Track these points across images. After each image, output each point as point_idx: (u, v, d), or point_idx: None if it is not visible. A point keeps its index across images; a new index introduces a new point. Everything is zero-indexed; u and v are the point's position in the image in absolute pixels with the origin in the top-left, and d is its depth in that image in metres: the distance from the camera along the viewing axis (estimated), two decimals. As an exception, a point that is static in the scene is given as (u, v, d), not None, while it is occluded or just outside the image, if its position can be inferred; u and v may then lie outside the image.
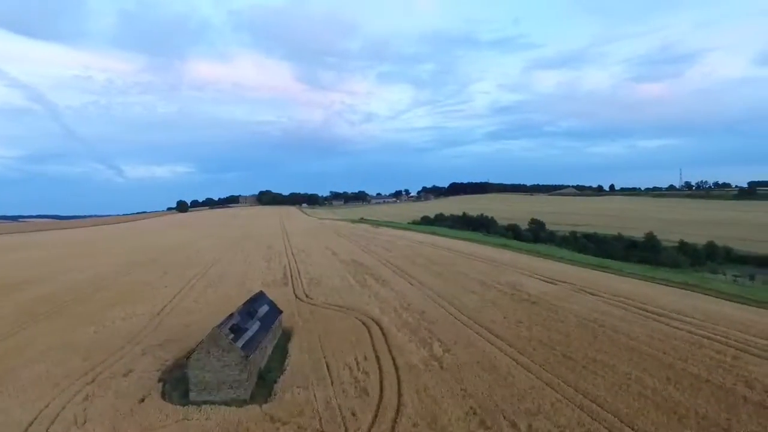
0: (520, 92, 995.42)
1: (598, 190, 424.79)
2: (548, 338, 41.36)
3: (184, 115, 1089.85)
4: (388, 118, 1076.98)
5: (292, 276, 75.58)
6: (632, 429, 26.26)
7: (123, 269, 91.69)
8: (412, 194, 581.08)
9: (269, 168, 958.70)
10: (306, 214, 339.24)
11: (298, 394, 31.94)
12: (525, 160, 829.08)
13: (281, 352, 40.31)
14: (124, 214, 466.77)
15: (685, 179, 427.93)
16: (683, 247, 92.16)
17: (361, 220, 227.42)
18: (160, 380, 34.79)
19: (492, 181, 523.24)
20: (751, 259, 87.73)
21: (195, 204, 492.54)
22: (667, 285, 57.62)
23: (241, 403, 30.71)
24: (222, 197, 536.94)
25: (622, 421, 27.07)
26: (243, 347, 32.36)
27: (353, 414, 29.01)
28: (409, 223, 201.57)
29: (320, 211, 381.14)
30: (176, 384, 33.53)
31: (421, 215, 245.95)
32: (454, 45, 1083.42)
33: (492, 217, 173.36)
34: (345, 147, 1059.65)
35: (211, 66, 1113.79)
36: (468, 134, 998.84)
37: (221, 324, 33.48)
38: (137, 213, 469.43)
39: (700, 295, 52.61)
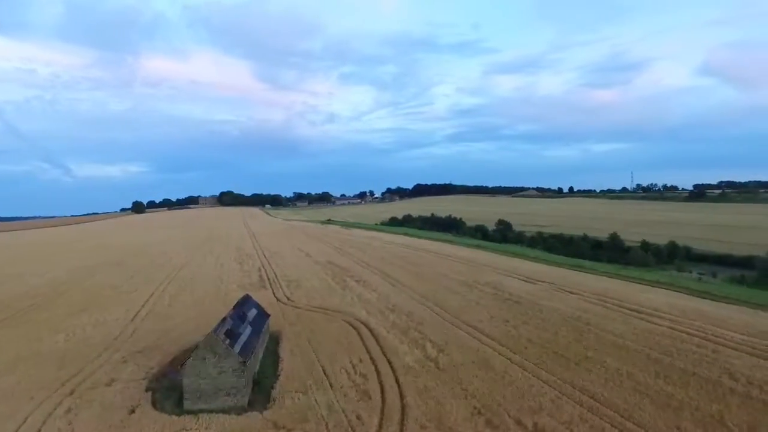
0: (480, 96, 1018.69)
1: (558, 192, 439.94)
2: (537, 337, 42.18)
3: (137, 112, 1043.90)
4: (351, 119, 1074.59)
5: (269, 278, 73.83)
6: (633, 423, 27.06)
7: (84, 273, 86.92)
8: (376, 195, 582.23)
9: (229, 168, 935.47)
10: (270, 215, 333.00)
11: (298, 399, 31.13)
12: (485, 163, 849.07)
13: (272, 356, 39.22)
14: (72, 215, 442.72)
15: (636, 182, 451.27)
16: (646, 246, 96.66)
17: (329, 222, 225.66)
18: (148, 389, 33.04)
19: (454, 182, 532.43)
20: (709, 257, 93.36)
21: (152, 205, 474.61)
22: (641, 283, 60.17)
23: (239, 410, 29.58)
24: (180, 198, 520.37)
25: (621, 416, 27.85)
26: (240, 352, 31.22)
27: (358, 418, 28.50)
28: (377, 224, 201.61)
29: (285, 212, 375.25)
30: (167, 393, 31.95)
31: (388, 216, 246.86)
32: (416, 48, 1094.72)
33: (461, 218, 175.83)
34: (307, 148, 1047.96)
35: (166, 62, 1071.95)
36: (429, 136, 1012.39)
37: (216, 329, 32.19)
38: (88, 214, 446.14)
39: (673, 293, 55.19)
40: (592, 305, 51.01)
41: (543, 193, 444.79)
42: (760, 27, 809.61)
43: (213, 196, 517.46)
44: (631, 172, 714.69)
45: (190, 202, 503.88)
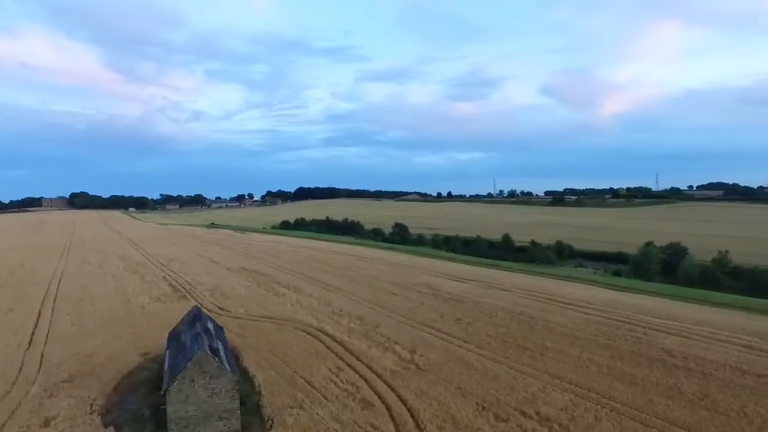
0: (353, 101, 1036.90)
1: (439, 197, 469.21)
2: (494, 332, 44.61)
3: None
4: (219, 118, 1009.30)
5: (184, 288, 66.45)
6: (616, 402, 30.19)
7: None
8: (256, 198, 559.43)
9: (78, 166, 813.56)
10: (137, 219, 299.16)
11: (298, 415, 28.75)
12: (360, 167, 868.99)
13: (240, 371, 35.47)
14: None
15: (498, 188, 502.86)
16: (536, 246, 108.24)
17: (213, 225, 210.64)
18: (107, 425, 27.56)
19: (334, 186, 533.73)
20: (587, 254, 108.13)
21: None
22: (555, 278, 67.31)
23: (237, 435, 26.33)
24: (15, 199, 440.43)
25: (604, 397, 30.89)
26: (231, 370, 27.80)
27: (373, 427, 27.34)
28: (265, 228, 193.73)
29: (154, 216, 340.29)
30: (137, 425, 27.07)
31: (274, 220, 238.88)
32: (289, 49, 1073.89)
33: (359, 222, 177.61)
34: (170, 146, 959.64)
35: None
36: (304, 139, 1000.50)
37: (199, 345, 28.18)
38: None
39: (586, 286, 62.78)
40: (526, 300, 55.59)
41: (424, 197, 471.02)
42: (587, 57, 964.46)
43: (61, 198, 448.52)
44: (494, 179, 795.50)
45: (31, 204, 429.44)
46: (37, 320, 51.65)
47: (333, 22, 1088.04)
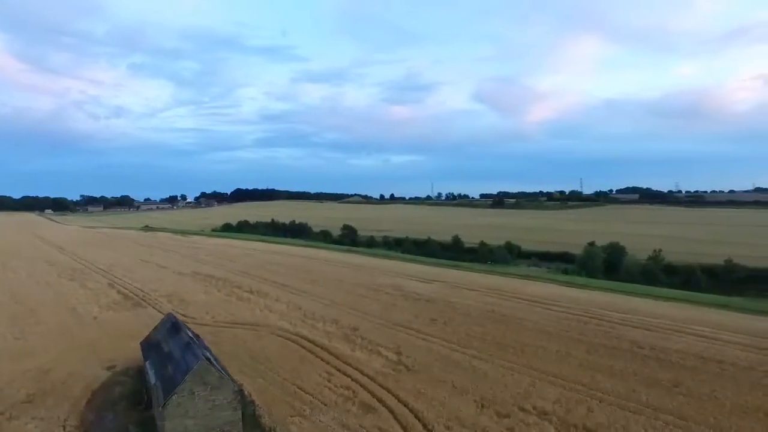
0: (288, 102, 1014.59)
1: (381, 199, 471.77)
2: (472, 331, 45.53)
3: None
4: (144, 115, 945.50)
5: (137, 295, 61.84)
6: (602, 393, 31.87)
7: None
8: (189, 200, 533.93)
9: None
10: (58, 222, 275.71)
11: (301, 423, 27.72)
12: (295, 169, 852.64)
13: (225, 382, 33.61)
14: None
15: (436, 191, 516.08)
16: (485, 246, 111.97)
17: (148, 228, 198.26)
18: (90, 447, 25.03)
19: (272, 187, 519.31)
20: (534, 254, 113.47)
21: None
22: (516, 277, 69.98)
23: (240, 449, 24.90)
24: None
25: (591, 389, 32.48)
26: (231, 380, 26.25)
27: (382, 430, 26.96)
28: (212, 230, 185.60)
29: (77, 219, 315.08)
30: (127, 446, 24.80)
31: (213, 222, 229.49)
32: (221, 46, 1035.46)
33: (307, 224, 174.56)
34: (89, 144, 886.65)
35: None
36: (237, 139, 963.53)
37: (196, 355, 26.36)
38: None
39: (546, 284, 65.80)
40: (494, 299, 57.29)
41: (367, 199, 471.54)
42: (516, 66, 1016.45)
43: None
44: (432, 183, 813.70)
45: None
46: (-30, 335, 45.89)
47: (269, 20, 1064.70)
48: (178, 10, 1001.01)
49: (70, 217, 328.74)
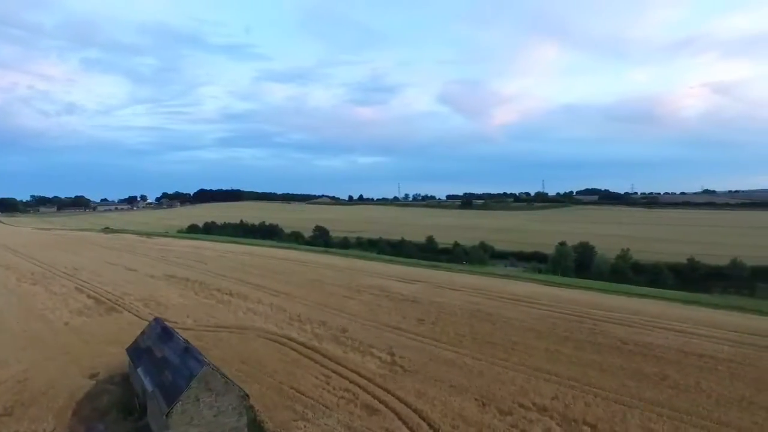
0: (251, 101, 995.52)
1: (350, 200, 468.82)
2: (461, 330, 45.96)
3: None
4: (98, 112, 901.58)
5: (110, 300, 59.04)
6: (595, 387, 32.84)
7: None
8: (150, 201, 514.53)
9: None
10: (7, 224, 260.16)
11: (305, 427, 27.16)
12: (259, 169, 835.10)
13: (219, 388, 32.53)
14: None
15: (403, 192, 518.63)
16: (458, 247, 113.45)
17: (109, 230, 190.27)
18: (86, 460, 23.64)
19: (236, 188, 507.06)
20: (507, 254, 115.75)
21: None
22: (497, 277, 71.15)
23: (247, 456, 24.16)
24: None
25: (584, 385, 33.40)
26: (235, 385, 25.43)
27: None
28: (177, 231, 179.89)
29: (28, 220, 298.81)
30: (127, 457, 23.59)
31: (177, 223, 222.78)
32: (181, 43, 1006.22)
33: (278, 225, 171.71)
34: (39, 142, 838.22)
35: None
36: (197, 138, 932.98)
37: (199, 361, 25.39)
38: None
39: (526, 283, 67.18)
40: (478, 298, 58.03)
41: (336, 200, 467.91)
42: (479, 70, 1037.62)
43: None
44: (398, 183, 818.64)
45: None
46: (-72, 345, 42.57)
47: (232, 17, 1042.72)
48: (136, 5, 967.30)
49: (20, 219, 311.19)
